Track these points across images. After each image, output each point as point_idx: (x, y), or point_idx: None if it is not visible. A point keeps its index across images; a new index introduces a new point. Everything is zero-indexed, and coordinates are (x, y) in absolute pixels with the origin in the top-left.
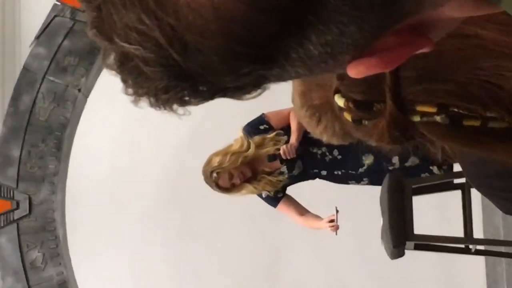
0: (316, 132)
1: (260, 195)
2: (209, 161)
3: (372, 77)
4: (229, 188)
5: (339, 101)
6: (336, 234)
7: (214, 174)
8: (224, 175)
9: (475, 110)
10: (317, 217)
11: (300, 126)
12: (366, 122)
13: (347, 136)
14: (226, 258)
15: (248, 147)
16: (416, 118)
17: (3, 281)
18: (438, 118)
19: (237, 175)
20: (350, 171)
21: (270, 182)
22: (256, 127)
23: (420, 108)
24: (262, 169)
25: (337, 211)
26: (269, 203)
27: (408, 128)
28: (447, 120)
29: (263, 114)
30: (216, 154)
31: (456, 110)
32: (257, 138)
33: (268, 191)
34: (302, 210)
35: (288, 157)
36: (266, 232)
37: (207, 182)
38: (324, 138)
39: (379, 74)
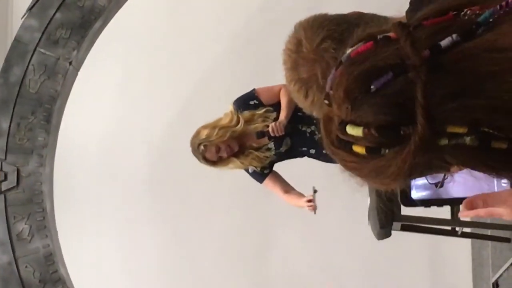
0: (306, 106)
1: (247, 170)
2: (197, 134)
3: (399, 97)
4: (215, 161)
5: (354, 130)
6: (315, 213)
7: (202, 147)
8: (211, 148)
9: (507, 128)
10: (301, 195)
11: (289, 104)
12: (386, 151)
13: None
14: (215, 235)
15: (237, 122)
16: (444, 142)
17: None
18: (467, 140)
19: (224, 149)
20: None
21: (257, 158)
22: (246, 102)
23: (450, 129)
24: (250, 144)
25: (314, 191)
26: (255, 179)
27: (435, 154)
28: (477, 141)
29: (254, 89)
30: (204, 127)
31: (486, 130)
32: (246, 113)
33: (255, 167)
34: (287, 188)
35: (277, 135)
36: (255, 209)
37: (194, 154)
38: (314, 113)
39: (408, 92)
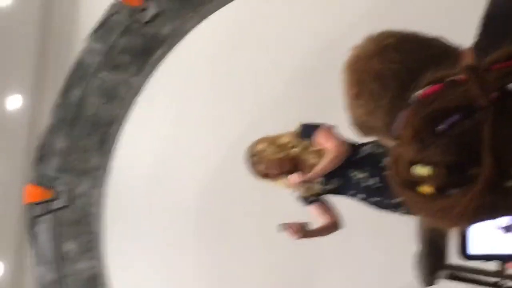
0: (356, 106)
1: (293, 192)
2: (255, 143)
3: (466, 137)
4: (264, 176)
5: (422, 170)
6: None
7: (254, 158)
8: (263, 162)
9: None
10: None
11: (326, 167)
12: (453, 191)
13: (391, 111)
14: (258, 271)
15: (295, 146)
16: (511, 183)
17: (35, 269)
18: None
19: (275, 167)
20: (385, 200)
21: (303, 186)
22: (307, 133)
23: None
24: (301, 169)
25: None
26: (300, 202)
27: (502, 195)
28: None
29: (319, 126)
30: (264, 139)
31: None
32: (305, 141)
33: (301, 193)
34: (327, 220)
35: (291, 184)
36: (300, 249)
37: (247, 162)
38: (363, 117)
39: (475, 134)
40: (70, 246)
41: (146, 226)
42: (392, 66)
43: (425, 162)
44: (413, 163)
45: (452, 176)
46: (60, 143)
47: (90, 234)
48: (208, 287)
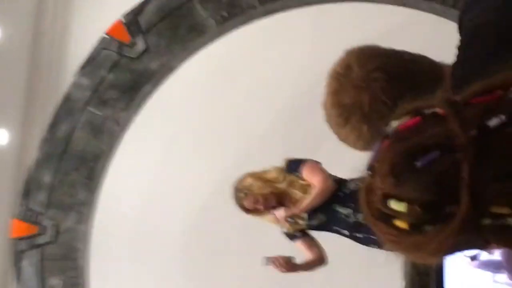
0: (342, 133)
1: (279, 227)
2: (242, 179)
3: (444, 175)
4: (250, 210)
5: (397, 205)
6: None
7: (242, 194)
8: (250, 197)
9: None
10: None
11: (313, 201)
12: (428, 228)
13: (373, 141)
14: None
15: (281, 181)
16: (487, 221)
17: None
18: (510, 221)
19: (262, 202)
20: (371, 236)
21: (289, 222)
22: (293, 168)
23: (494, 209)
24: (287, 205)
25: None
26: (286, 237)
27: (477, 232)
28: None
29: (306, 161)
30: (251, 175)
31: None
32: (292, 176)
33: (286, 228)
34: (313, 256)
35: (283, 219)
36: (284, 284)
37: (233, 197)
38: (349, 142)
39: (454, 172)
40: (55, 282)
41: (132, 262)
42: (376, 96)
43: (400, 198)
44: (387, 197)
45: (428, 214)
46: (47, 178)
47: (75, 270)
48: None
